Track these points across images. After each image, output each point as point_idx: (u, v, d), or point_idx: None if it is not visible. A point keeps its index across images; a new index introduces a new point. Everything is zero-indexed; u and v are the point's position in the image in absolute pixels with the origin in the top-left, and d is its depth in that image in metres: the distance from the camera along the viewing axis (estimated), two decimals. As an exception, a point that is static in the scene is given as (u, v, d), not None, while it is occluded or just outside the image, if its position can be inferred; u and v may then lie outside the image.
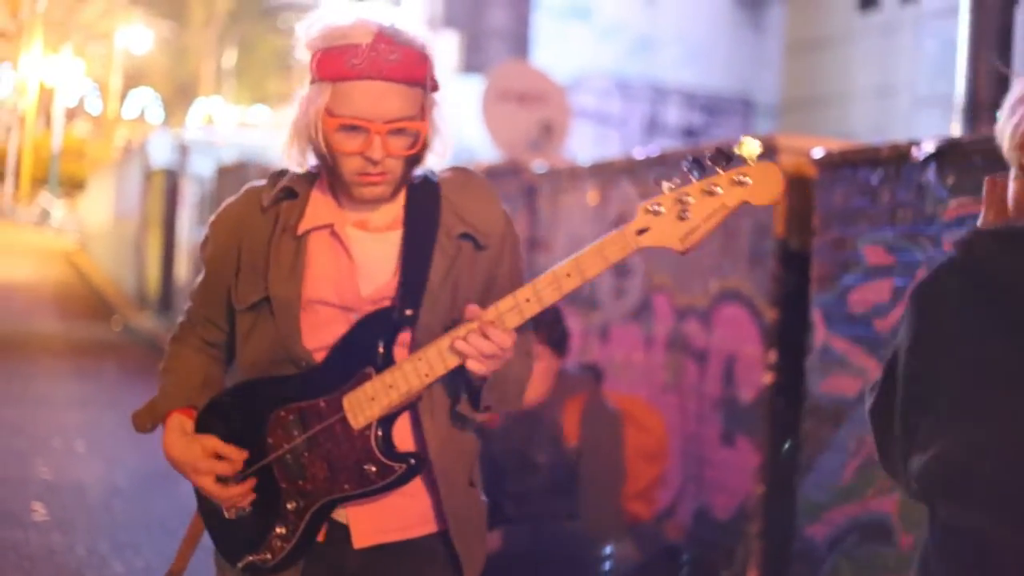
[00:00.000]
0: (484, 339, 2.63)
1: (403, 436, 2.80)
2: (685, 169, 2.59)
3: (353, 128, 2.73)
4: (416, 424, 2.82)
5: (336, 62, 2.72)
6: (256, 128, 40.48)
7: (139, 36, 49.84)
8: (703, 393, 6.44)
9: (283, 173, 2.94)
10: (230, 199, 3.01)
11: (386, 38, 2.73)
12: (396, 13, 2.80)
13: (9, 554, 6.85)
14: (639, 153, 7.50)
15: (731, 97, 21.28)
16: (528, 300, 2.69)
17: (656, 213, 2.61)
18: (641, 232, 2.63)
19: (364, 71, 2.71)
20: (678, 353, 6.70)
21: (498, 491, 5.11)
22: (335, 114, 2.73)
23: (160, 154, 23.21)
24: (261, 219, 2.89)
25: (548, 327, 4.98)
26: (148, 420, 2.96)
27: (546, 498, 5.03)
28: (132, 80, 54.52)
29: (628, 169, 7.34)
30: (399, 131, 2.75)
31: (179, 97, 55.36)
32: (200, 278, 3.04)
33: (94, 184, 37.33)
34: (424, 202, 2.87)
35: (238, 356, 2.93)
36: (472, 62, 17.19)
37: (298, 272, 2.83)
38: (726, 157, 2.56)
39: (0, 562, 6.74)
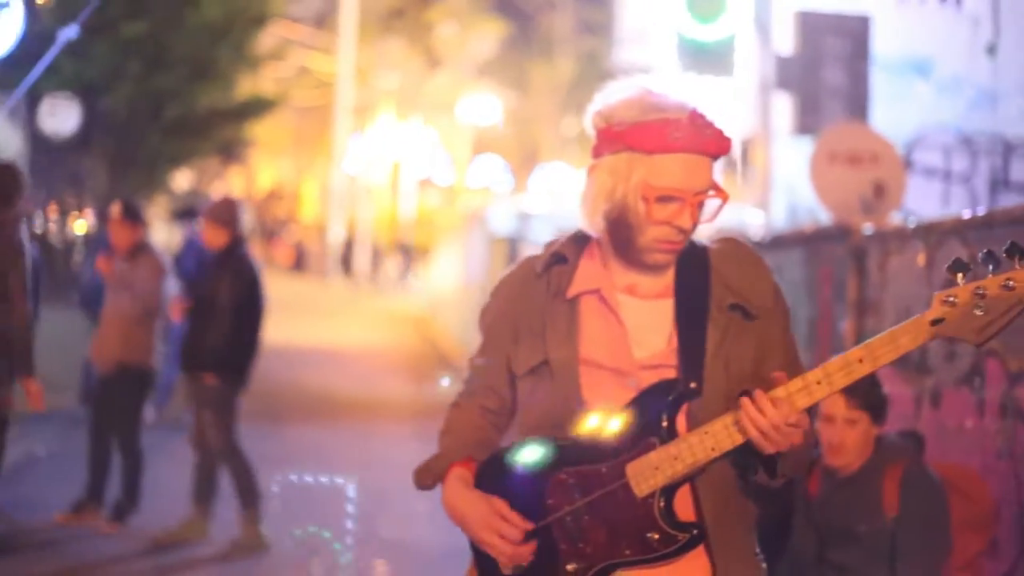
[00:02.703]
0: (773, 408, 2.66)
1: (680, 504, 2.85)
2: (980, 261, 2.59)
3: (669, 198, 2.83)
4: (693, 493, 2.85)
5: (656, 135, 2.83)
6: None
7: (486, 106, 51.24)
8: (1038, 461, 6.20)
9: (555, 242, 3.06)
10: (509, 269, 3.14)
11: (700, 115, 2.85)
12: (700, 89, 2.89)
13: (349, 611, 7.14)
14: (967, 213, 7.30)
15: (1082, 150, 20.37)
16: (819, 383, 2.71)
17: (952, 304, 2.60)
18: (936, 322, 2.64)
19: (685, 145, 2.82)
20: (1011, 419, 6.47)
21: (818, 561, 5.06)
22: (653, 185, 2.83)
23: (501, 222, 23.80)
24: (536, 285, 3.02)
25: (865, 393, 4.93)
26: (429, 477, 3.11)
27: (866, 569, 4.95)
28: (479, 149, 56.12)
29: (955, 230, 7.14)
30: (702, 202, 2.87)
31: (524, 164, 56.65)
32: (480, 346, 3.16)
33: (442, 252, 38.50)
34: (694, 272, 2.93)
35: (520, 420, 3.05)
36: (807, 123, 17.05)
37: (573, 334, 2.93)
38: (1021, 252, 2.55)
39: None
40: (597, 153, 2.95)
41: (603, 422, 2.88)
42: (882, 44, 19.35)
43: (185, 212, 19.42)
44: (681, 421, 2.83)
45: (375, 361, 22.98)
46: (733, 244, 3.02)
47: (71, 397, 9.71)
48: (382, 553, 8.61)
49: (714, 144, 2.86)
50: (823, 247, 8.53)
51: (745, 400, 2.70)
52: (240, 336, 8.75)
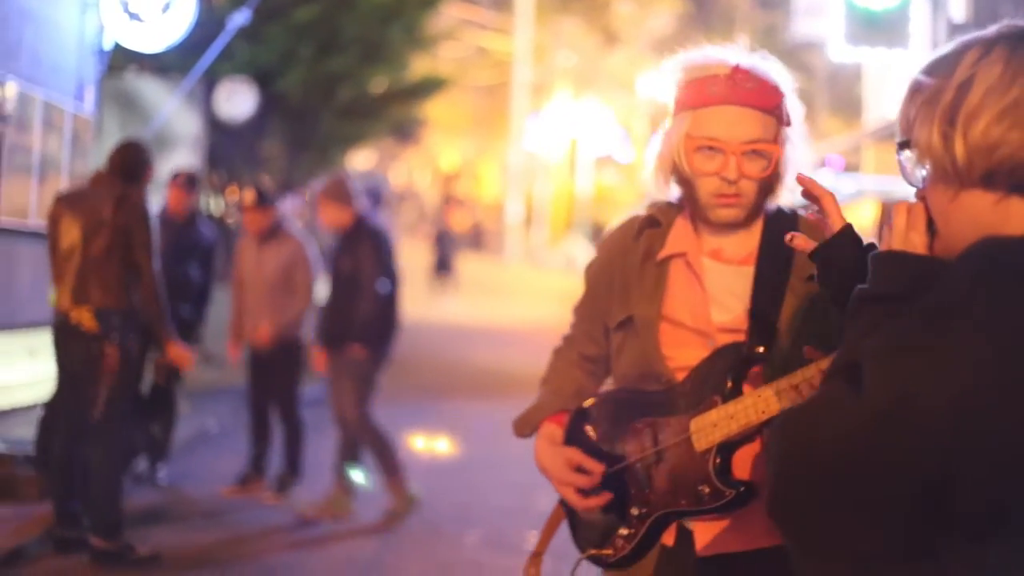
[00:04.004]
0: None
1: (744, 463, 2.90)
2: None
3: (710, 149, 2.94)
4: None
5: (697, 91, 2.96)
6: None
7: (663, 83, 50.99)
8: None
9: (653, 206, 3.17)
10: (616, 225, 3.28)
11: (743, 70, 2.95)
12: (755, 56, 2.96)
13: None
14: None
15: None
16: None
17: None
18: None
19: (722, 97, 2.93)
20: None
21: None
22: (694, 136, 2.95)
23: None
24: (633, 245, 3.15)
25: None
26: (526, 427, 3.31)
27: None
28: (658, 126, 55.90)
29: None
30: (753, 153, 2.94)
31: (702, 140, 56.25)
32: (583, 295, 3.33)
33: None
34: (779, 240, 2.96)
35: (612, 370, 3.21)
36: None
37: (658, 295, 3.06)
38: None
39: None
40: None
41: (681, 377, 3.00)
42: (1061, 9, 18.82)
43: (365, 192, 19.78)
44: (750, 384, 2.88)
45: (547, 338, 23.17)
46: None
47: (243, 374, 10.01)
48: (537, 524, 8.70)
49: (755, 96, 2.93)
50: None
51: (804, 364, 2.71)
52: (384, 308, 8.86)
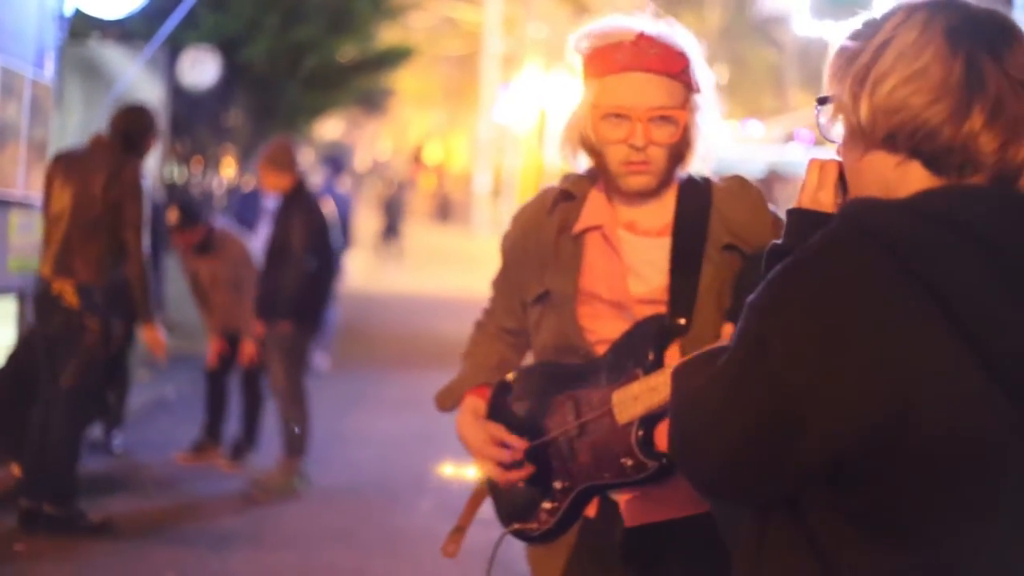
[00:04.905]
0: None
1: (667, 435, 2.91)
2: None
3: (617, 116, 2.93)
4: None
5: (603, 60, 2.96)
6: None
7: (570, 53, 50.83)
8: None
9: (568, 178, 3.16)
10: (530, 198, 3.27)
11: (648, 36, 2.95)
12: (660, 23, 2.99)
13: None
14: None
15: None
16: None
17: None
18: None
19: (626, 64, 2.93)
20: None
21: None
22: (600, 105, 2.94)
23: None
24: (547, 220, 3.14)
25: None
26: (448, 400, 3.28)
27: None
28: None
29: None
30: (661, 119, 2.93)
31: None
32: (499, 269, 3.31)
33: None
34: (693, 210, 3.00)
35: (532, 344, 3.19)
36: (944, 67, 16.76)
37: (574, 269, 3.05)
38: None
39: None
40: None
41: (602, 350, 3.00)
42: (1026, -15, 18.86)
43: (327, 160, 19.75)
44: (672, 355, 2.87)
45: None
46: (737, 182, 3.08)
47: (203, 342, 9.99)
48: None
49: (660, 62, 2.93)
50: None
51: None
52: (313, 281, 8.73)
